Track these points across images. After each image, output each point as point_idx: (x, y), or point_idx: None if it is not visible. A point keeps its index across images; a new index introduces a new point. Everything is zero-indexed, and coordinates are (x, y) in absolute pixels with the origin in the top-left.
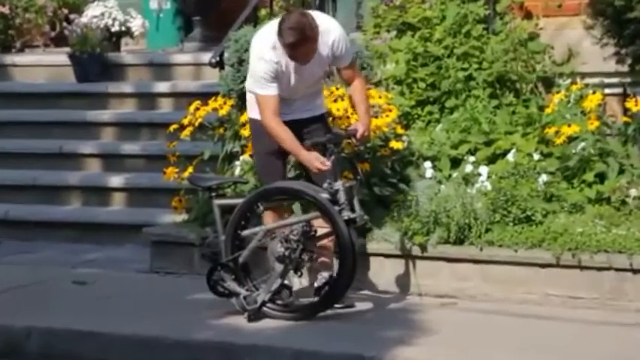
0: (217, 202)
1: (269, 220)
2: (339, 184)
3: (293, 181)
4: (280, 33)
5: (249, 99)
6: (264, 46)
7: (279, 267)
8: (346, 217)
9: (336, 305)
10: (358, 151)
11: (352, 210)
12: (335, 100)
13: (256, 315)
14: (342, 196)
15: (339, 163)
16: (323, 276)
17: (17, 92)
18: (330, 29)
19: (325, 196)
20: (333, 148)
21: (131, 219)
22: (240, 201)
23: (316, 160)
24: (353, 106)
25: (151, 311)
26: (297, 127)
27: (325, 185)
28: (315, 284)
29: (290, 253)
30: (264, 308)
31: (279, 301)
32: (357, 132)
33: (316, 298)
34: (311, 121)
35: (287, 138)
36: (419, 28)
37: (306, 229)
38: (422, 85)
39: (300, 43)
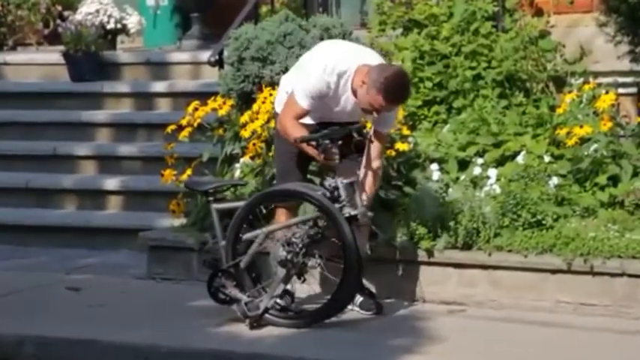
0: (216, 206)
1: (282, 219)
2: (338, 181)
3: (297, 183)
4: (389, 87)
5: (281, 94)
6: (333, 66)
7: (281, 272)
8: (347, 214)
9: (363, 312)
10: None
11: (354, 207)
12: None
13: (258, 322)
14: (342, 193)
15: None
16: None
17: (9, 92)
18: None
19: (327, 196)
20: (326, 144)
21: (127, 223)
22: (240, 204)
23: (321, 154)
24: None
25: (148, 318)
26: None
27: (326, 183)
28: None
29: (292, 256)
30: (267, 315)
31: (281, 307)
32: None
33: (320, 305)
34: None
35: (295, 133)
36: (425, 25)
37: (310, 232)
38: (428, 84)
39: (399, 103)
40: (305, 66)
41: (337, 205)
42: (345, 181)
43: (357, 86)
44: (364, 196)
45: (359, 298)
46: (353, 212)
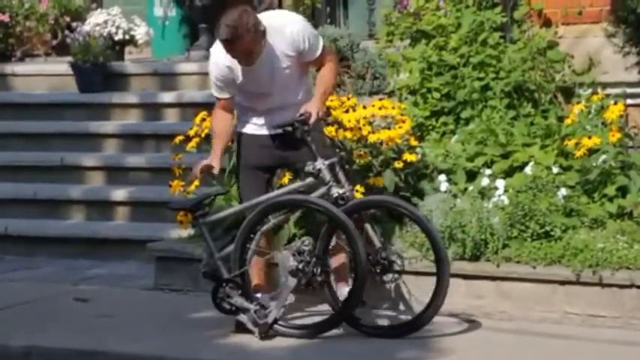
0: (202, 220)
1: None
2: (319, 163)
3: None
4: (217, 28)
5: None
6: (217, 49)
7: (292, 281)
8: (336, 194)
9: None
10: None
11: (341, 186)
12: (346, 111)
13: (267, 332)
14: (326, 175)
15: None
16: (342, 292)
17: (17, 102)
18: (285, 24)
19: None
20: (302, 129)
21: (135, 234)
22: (227, 213)
23: (196, 167)
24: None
25: (155, 329)
26: (283, 143)
27: (307, 168)
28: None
29: (304, 266)
30: (275, 325)
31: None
32: (310, 117)
33: (328, 315)
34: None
35: (214, 127)
36: (433, 36)
37: (320, 245)
38: (436, 95)
39: (233, 41)
40: None
41: (324, 188)
42: (326, 162)
43: None
44: (321, 92)
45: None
46: (341, 191)
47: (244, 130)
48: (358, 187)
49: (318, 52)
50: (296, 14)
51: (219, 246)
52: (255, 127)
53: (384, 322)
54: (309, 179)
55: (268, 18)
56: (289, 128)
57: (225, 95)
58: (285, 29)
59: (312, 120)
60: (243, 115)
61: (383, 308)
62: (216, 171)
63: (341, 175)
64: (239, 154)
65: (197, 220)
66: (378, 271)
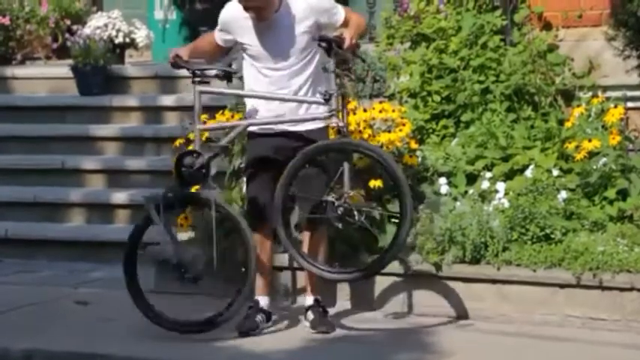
0: (200, 88)
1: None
2: (334, 90)
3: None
4: None
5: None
6: (233, 3)
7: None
8: (334, 124)
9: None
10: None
11: (341, 119)
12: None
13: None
14: (333, 102)
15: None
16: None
17: (18, 106)
18: None
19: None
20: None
21: None
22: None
23: (178, 50)
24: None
25: (155, 333)
26: (288, 142)
27: (320, 89)
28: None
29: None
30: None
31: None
32: (345, 40)
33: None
34: (304, 136)
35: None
36: (434, 39)
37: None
38: (437, 98)
39: None
40: None
41: (327, 113)
42: (339, 91)
43: None
44: (354, 25)
45: (310, 316)
46: (340, 124)
47: (252, 129)
48: (358, 189)
49: (341, 17)
50: None
51: None
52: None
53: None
54: (316, 98)
55: None
56: (324, 44)
57: (219, 40)
58: None
59: (347, 44)
60: (254, 111)
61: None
62: (185, 57)
63: (345, 110)
64: (247, 148)
65: (194, 84)
66: (339, 214)
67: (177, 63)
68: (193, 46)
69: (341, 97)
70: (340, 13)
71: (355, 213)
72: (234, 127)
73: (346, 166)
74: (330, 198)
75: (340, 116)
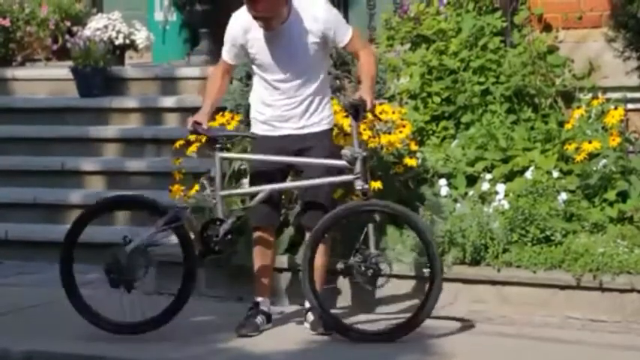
0: (220, 154)
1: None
2: (356, 151)
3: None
4: None
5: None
6: (239, 12)
7: None
8: (359, 187)
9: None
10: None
11: (365, 181)
12: (347, 116)
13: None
14: (358, 165)
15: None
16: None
17: (18, 107)
18: (314, 3)
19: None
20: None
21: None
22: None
23: (197, 116)
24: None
25: (156, 334)
26: (288, 143)
27: (344, 152)
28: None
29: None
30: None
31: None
32: (367, 103)
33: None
34: (308, 138)
35: (208, 85)
36: (434, 40)
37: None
38: (437, 99)
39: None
40: None
41: (351, 177)
42: (363, 153)
43: None
44: (369, 81)
45: (310, 317)
46: (365, 187)
47: (256, 129)
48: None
49: (347, 38)
50: None
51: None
52: (269, 126)
53: (374, 328)
54: (341, 162)
55: None
56: (351, 111)
57: (229, 58)
58: (311, 9)
59: (369, 107)
60: (257, 106)
61: (371, 313)
62: (204, 126)
63: (367, 172)
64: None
65: (214, 151)
66: (369, 275)
67: (197, 130)
68: (209, 99)
69: (363, 159)
70: (348, 34)
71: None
72: (260, 192)
73: (371, 227)
74: (357, 260)
75: (364, 179)
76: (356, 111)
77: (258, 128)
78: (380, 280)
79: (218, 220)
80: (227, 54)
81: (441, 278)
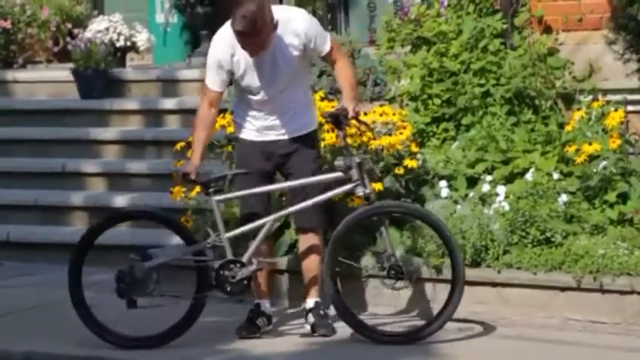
0: (216, 198)
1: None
2: (351, 159)
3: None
4: (232, 18)
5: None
6: (223, 34)
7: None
8: (361, 193)
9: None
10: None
11: (365, 186)
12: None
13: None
14: (355, 173)
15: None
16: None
17: (19, 109)
18: (291, 17)
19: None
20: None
21: (137, 240)
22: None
23: (185, 167)
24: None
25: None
26: (275, 148)
27: (337, 162)
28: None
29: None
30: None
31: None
32: (348, 111)
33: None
34: (293, 141)
35: (196, 127)
36: (434, 42)
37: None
38: (437, 101)
39: (249, 34)
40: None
41: (351, 185)
42: (357, 160)
43: None
44: (349, 88)
45: (311, 319)
46: (367, 191)
47: (243, 135)
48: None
49: (327, 47)
50: (299, 8)
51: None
52: (256, 132)
53: (392, 329)
54: (336, 174)
55: (274, 11)
56: (330, 120)
57: (217, 86)
58: (290, 23)
59: (351, 115)
60: (243, 119)
61: (388, 315)
62: (193, 176)
63: (365, 176)
64: (239, 162)
65: (209, 196)
66: (391, 276)
67: (188, 181)
68: (199, 143)
69: (358, 165)
70: (328, 43)
71: (404, 270)
72: (264, 224)
73: (384, 229)
74: (377, 262)
75: (364, 184)
76: (337, 120)
77: (246, 134)
78: (401, 283)
79: (238, 263)
80: (213, 81)
81: (464, 277)
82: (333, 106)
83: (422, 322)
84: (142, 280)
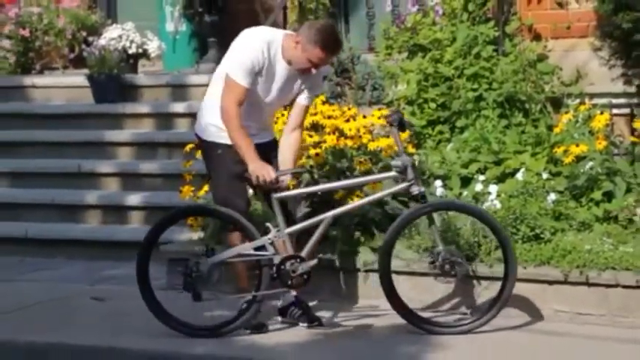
0: (275, 195)
1: (236, 241)
2: (407, 160)
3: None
4: (324, 38)
5: (214, 88)
6: (261, 38)
7: None
8: (416, 192)
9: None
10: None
11: (419, 185)
12: (347, 120)
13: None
14: (410, 172)
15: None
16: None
17: (37, 113)
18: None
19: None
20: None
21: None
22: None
23: (262, 169)
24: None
25: (165, 328)
26: (263, 151)
27: (394, 162)
28: (280, 304)
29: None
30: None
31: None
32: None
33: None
34: (271, 144)
35: (243, 134)
36: (430, 49)
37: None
38: (433, 105)
39: (336, 51)
40: (236, 48)
41: (405, 184)
42: (411, 160)
43: (289, 49)
44: (290, 159)
45: (297, 312)
46: (422, 190)
47: (221, 141)
48: (358, 192)
49: (310, 102)
50: None
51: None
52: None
53: (443, 319)
54: (391, 173)
55: None
56: (393, 121)
57: (249, 83)
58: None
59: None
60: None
61: (436, 308)
62: (280, 178)
63: (419, 176)
64: (220, 163)
65: (269, 193)
66: (446, 270)
67: (272, 184)
68: (249, 146)
69: (412, 165)
70: (311, 99)
71: (460, 262)
72: (323, 220)
73: (434, 226)
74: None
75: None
76: (400, 123)
77: (223, 139)
78: (451, 278)
79: (298, 258)
80: (245, 79)
81: (516, 271)
82: (333, 110)
83: (472, 315)
84: (206, 275)
